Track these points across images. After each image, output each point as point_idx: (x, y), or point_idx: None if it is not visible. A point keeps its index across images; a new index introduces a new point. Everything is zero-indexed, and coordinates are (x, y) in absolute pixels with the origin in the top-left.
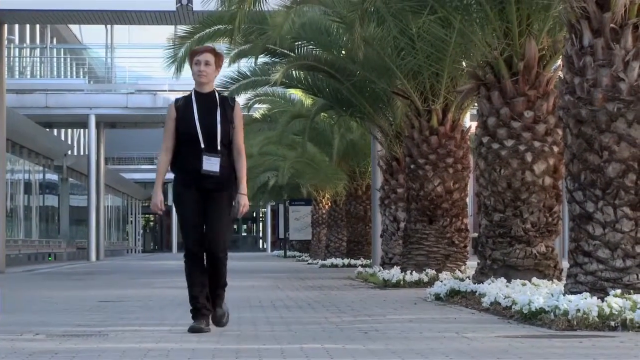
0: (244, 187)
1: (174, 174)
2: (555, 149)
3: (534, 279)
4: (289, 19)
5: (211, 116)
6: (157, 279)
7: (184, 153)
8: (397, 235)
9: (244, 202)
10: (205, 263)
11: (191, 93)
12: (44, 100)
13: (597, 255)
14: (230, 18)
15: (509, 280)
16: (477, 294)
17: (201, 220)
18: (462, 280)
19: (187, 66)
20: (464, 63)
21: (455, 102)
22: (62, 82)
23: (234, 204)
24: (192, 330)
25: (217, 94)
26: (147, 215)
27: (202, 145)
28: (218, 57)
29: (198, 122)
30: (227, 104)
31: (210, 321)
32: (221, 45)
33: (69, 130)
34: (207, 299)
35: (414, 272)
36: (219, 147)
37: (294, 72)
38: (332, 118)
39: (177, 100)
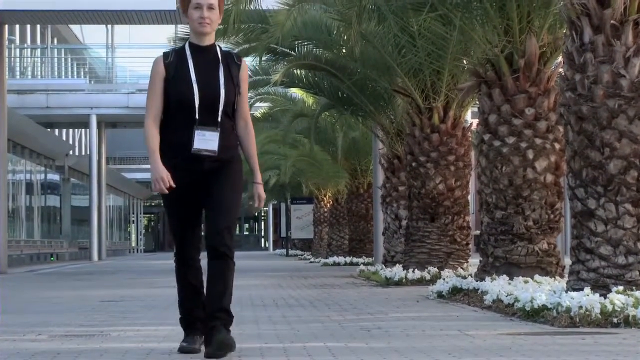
0: (258, 175)
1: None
2: (557, 145)
3: (536, 276)
4: (291, 17)
5: (213, 76)
6: (159, 279)
7: (174, 125)
8: (399, 233)
9: (261, 193)
10: (201, 271)
11: (184, 46)
12: (45, 101)
13: (599, 252)
14: (224, 16)
15: (511, 278)
16: (479, 291)
17: (197, 214)
18: (464, 277)
19: None
20: (464, 60)
21: (456, 100)
22: (63, 82)
23: (253, 199)
24: (182, 350)
25: (218, 47)
26: (149, 215)
27: (197, 116)
28: None
29: (196, 84)
30: (233, 61)
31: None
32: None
33: (70, 131)
34: (202, 308)
35: (416, 270)
36: (219, 118)
37: (294, 71)
38: (334, 116)
39: (165, 54)
